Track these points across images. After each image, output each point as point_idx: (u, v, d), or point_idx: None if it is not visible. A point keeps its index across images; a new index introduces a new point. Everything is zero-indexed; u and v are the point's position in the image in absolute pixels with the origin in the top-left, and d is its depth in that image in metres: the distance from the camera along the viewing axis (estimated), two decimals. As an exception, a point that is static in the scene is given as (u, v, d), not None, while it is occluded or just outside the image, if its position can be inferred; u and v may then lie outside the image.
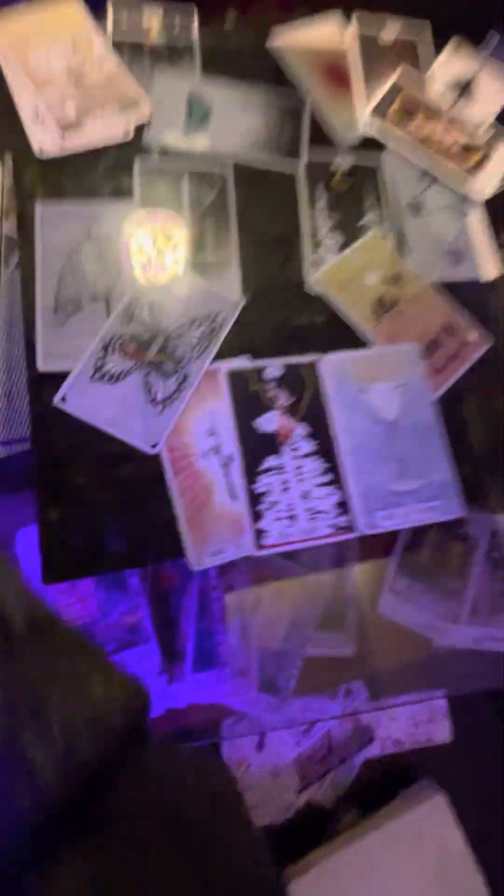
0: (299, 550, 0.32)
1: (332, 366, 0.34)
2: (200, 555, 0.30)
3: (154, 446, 0.31)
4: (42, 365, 0.32)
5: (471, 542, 0.40)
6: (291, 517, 0.31)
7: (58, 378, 0.32)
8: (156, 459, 0.31)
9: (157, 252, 0.36)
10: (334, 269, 0.37)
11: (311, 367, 0.34)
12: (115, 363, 0.32)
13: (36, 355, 0.32)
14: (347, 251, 0.37)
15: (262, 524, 0.31)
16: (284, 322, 0.35)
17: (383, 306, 0.37)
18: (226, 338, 0.34)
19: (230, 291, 0.35)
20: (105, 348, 0.32)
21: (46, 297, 0.33)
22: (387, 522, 0.32)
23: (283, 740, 0.67)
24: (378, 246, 0.38)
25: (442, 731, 0.66)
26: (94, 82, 0.37)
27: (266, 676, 0.45)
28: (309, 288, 0.37)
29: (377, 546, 0.38)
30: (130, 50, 0.40)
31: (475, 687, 0.40)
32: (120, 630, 0.42)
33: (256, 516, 0.31)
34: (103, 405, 0.31)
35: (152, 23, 0.41)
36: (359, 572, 0.40)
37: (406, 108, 0.42)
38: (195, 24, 0.41)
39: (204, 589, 0.41)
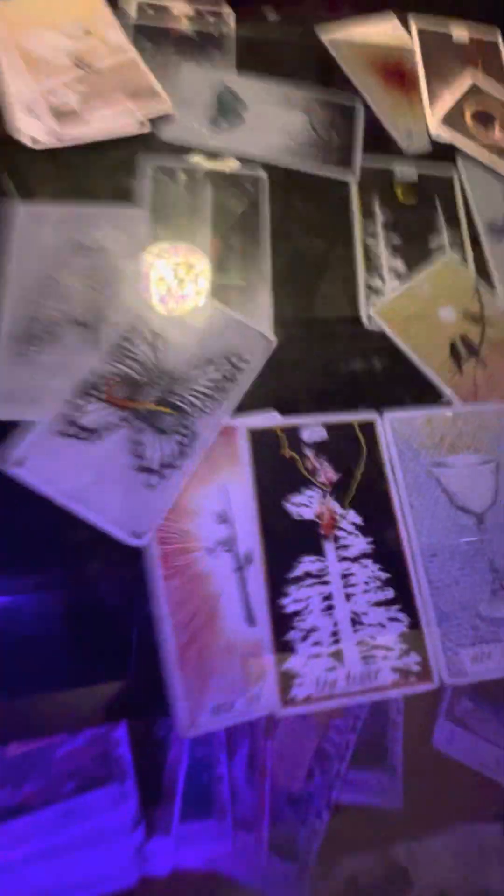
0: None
1: (395, 427, 0.25)
2: (196, 712, 0.20)
3: (138, 535, 0.22)
4: (-4, 411, 0.23)
5: None
6: (337, 654, 0.21)
7: (14, 430, 0.23)
8: (140, 554, 0.21)
9: (178, 282, 0.29)
10: (398, 300, 0.29)
11: (367, 427, 0.25)
12: (95, 413, 0.23)
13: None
14: (415, 279, 0.29)
15: (293, 664, 0.21)
16: (330, 367, 0.27)
17: (463, 351, 0.28)
18: (251, 385, 0.25)
19: (259, 324, 0.27)
20: (84, 392, 0.24)
21: (15, 319, 0.25)
22: (477, 667, 0.22)
23: None
24: (454, 274, 0.30)
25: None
26: (104, 70, 0.31)
27: (281, 832, 0.34)
28: (364, 323, 0.28)
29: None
30: (155, 37, 0.34)
31: None
32: (87, 759, 0.31)
33: (284, 649, 0.21)
34: (74, 472, 0.22)
35: (182, 10, 0.35)
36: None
37: (485, 112, 0.34)
38: (231, 15, 0.35)
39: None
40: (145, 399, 0.24)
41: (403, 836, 0.33)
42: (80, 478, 0.22)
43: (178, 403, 0.24)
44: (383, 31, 0.38)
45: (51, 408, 0.23)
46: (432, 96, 0.35)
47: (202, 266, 0.31)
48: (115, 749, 0.31)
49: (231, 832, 0.32)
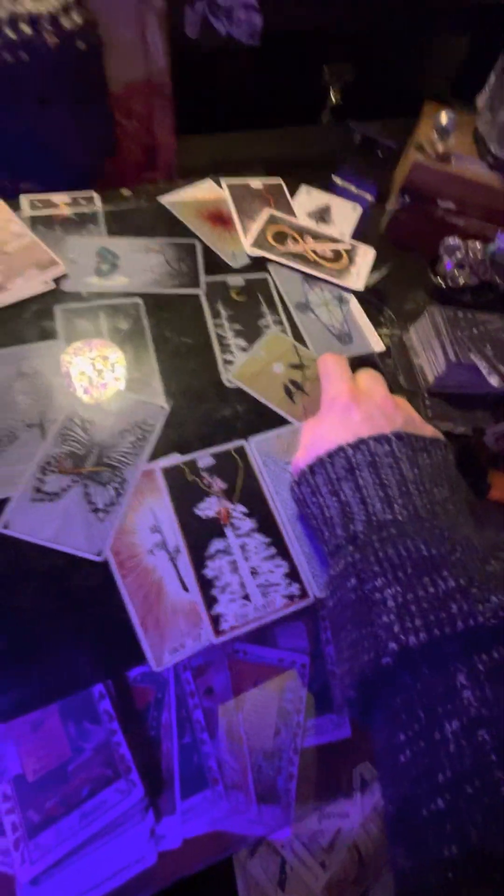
0: (264, 630, 0.32)
1: (257, 446, 0.38)
2: (160, 654, 0.30)
3: (99, 553, 0.32)
4: (-21, 500, 0.33)
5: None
6: (245, 596, 0.32)
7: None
8: (105, 566, 0.32)
9: (97, 373, 0.40)
10: (245, 364, 0.42)
11: (240, 450, 0.37)
12: (53, 482, 0.34)
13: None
14: (254, 348, 0.43)
15: (218, 609, 0.32)
16: (208, 416, 0.39)
17: (293, 389, 0.42)
18: (158, 440, 0.37)
19: (155, 399, 0.39)
20: (43, 470, 0.34)
21: (-18, 433, 0.35)
22: (337, 582, 0.34)
23: (307, 867, 0.59)
24: (279, 341, 0.44)
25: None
26: (14, 254, 0.44)
27: (263, 784, 0.42)
28: (226, 384, 0.41)
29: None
30: (44, 224, 0.48)
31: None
32: (96, 766, 0.38)
33: (211, 602, 0.32)
34: (46, 523, 0.32)
35: (61, 202, 0.50)
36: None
37: (280, 232, 0.51)
38: (98, 199, 0.51)
39: (181, 697, 0.39)
40: (87, 465, 0.35)
41: (359, 760, 0.42)
42: (52, 526, 0.32)
43: (110, 462, 0.36)
44: (204, 190, 0.55)
45: (22, 484, 0.34)
46: (245, 228, 0.52)
47: (116, 356, 0.42)
48: (117, 751, 0.38)
49: (224, 795, 0.40)
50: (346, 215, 0.55)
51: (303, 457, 0.31)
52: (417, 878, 0.18)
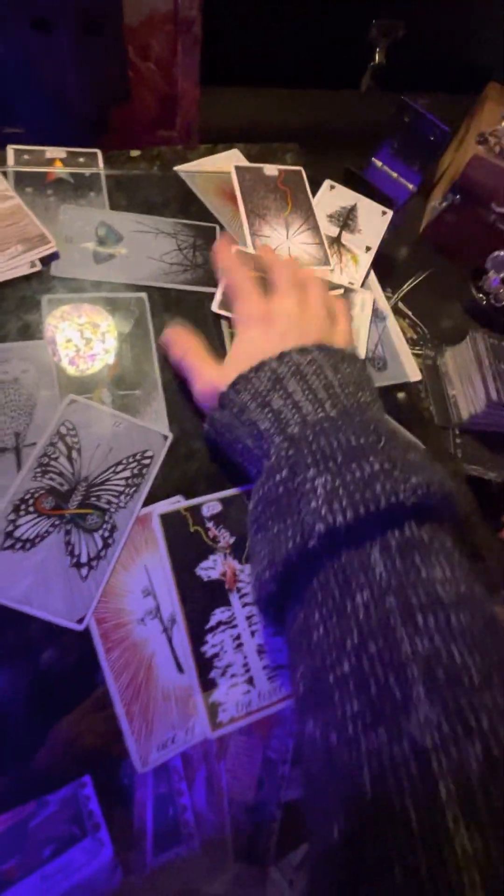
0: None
1: (273, 493, 0.32)
2: (147, 752, 0.25)
3: (80, 621, 0.27)
4: None
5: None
6: (249, 680, 0.28)
7: (-42, 553, 0.27)
8: (86, 637, 0.27)
9: (85, 342, 0.34)
10: (263, 389, 0.36)
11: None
12: (29, 525, 0.28)
13: None
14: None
15: (217, 696, 0.27)
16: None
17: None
18: (156, 478, 0.31)
19: (157, 425, 0.33)
20: (16, 509, 0.28)
21: None
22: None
23: None
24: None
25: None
26: (-5, 220, 0.36)
27: (243, 841, 0.39)
28: (240, 411, 0.35)
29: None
30: (33, 185, 0.39)
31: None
32: (61, 822, 0.34)
33: (209, 687, 0.27)
34: (17, 578, 0.27)
35: (56, 158, 0.41)
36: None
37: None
38: (101, 159, 0.42)
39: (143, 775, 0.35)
40: (71, 505, 0.29)
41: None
42: (24, 582, 0.27)
43: (99, 503, 0.30)
44: (230, 160, 0.47)
45: (-12, 528, 0.28)
46: (252, 230, 0.44)
47: (107, 324, 0.36)
48: (86, 805, 0.35)
49: (200, 853, 0.37)
50: (373, 221, 0.47)
51: (219, 379, 0.30)
52: (323, 741, 0.20)
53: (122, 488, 0.30)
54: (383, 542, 0.21)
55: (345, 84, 0.68)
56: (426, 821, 0.16)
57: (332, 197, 0.48)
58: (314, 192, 0.47)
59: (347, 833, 0.17)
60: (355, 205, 0.48)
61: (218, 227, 0.42)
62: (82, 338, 0.34)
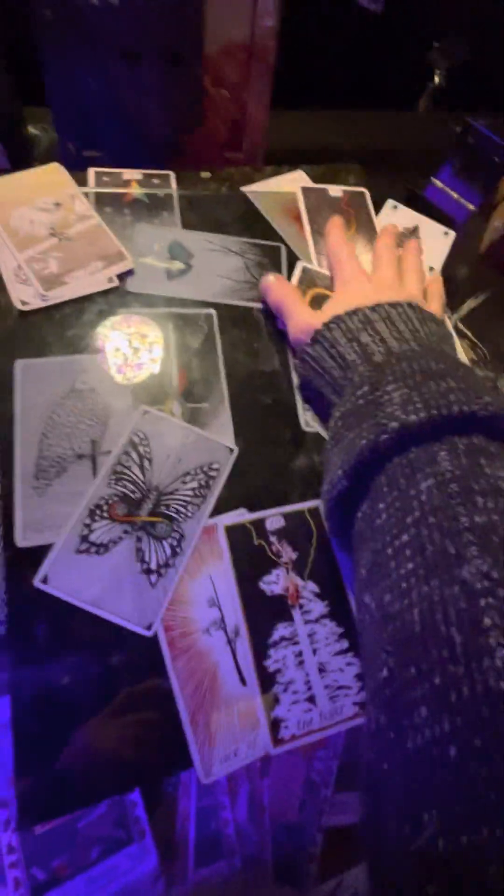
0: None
1: (335, 511, 0.32)
2: (210, 762, 0.26)
3: (149, 627, 0.27)
4: (21, 540, 0.28)
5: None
6: (310, 698, 0.28)
7: (38, 553, 0.28)
8: (153, 643, 0.27)
9: (133, 351, 0.35)
10: (327, 406, 0.37)
11: (314, 512, 0.32)
12: (103, 530, 0.29)
13: (14, 528, 0.28)
14: (337, 387, 0.37)
15: (279, 711, 0.27)
16: (282, 466, 0.34)
17: (379, 441, 0.36)
18: (222, 490, 0.32)
19: (223, 437, 0.34)
20: (91, 514, 0.29)
21: (27, 461, 0.30)
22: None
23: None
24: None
25: None
26: (77, 238, 0.38)
27: (282, 860, 0.39)
28: (304, 427, 0.36)
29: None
30: (112, 205, 0.41)
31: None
32: (108, 826, 0.35)
33: (271, 702, 0.27)
34: (91, 581, 0.28)
35: (132, 180, 0.43)
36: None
37: (318, 296, 0.43)
38: (174, 180, 0.44)
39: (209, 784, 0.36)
40: (142, 512, 0.30)
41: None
42: (98, 585, 0.28)
43: (168, 512, 0.31)
44: (294, 181, 0.48)
45: (66, 530, 0.29)
46: (317, 249, 0.45)
47: (155, 335, 0.37)
48: (133, 811, 0.35)
49: (240, 870, 0.36)
50: (435, 243, 0.48)
51: (314, 318, 0.33)
52: (378, 605, 0.21)
53: (189, 498, 0.31)
54: (451, 444, 0.22)
55: (405, 104, 0.69)
56: (469, 642, 0.17)
57: (395, 217, 0.48)
58: (378, 212, 0.47)
59: (394, 667, 0.18)
60: (417, 226, 0.48)
61: (283, 247, 0.43)
62: (130, 347, 0.35)
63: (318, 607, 0.30)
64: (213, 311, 0.38)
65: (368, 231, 0.46)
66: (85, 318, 0.36)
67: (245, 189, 0.46)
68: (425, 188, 0.57)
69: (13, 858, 0.33)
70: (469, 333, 0.47)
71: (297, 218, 0.45)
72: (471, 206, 0.55)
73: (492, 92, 0.68)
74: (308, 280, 0.41)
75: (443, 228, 0.49)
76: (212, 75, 0.44)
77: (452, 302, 0.48)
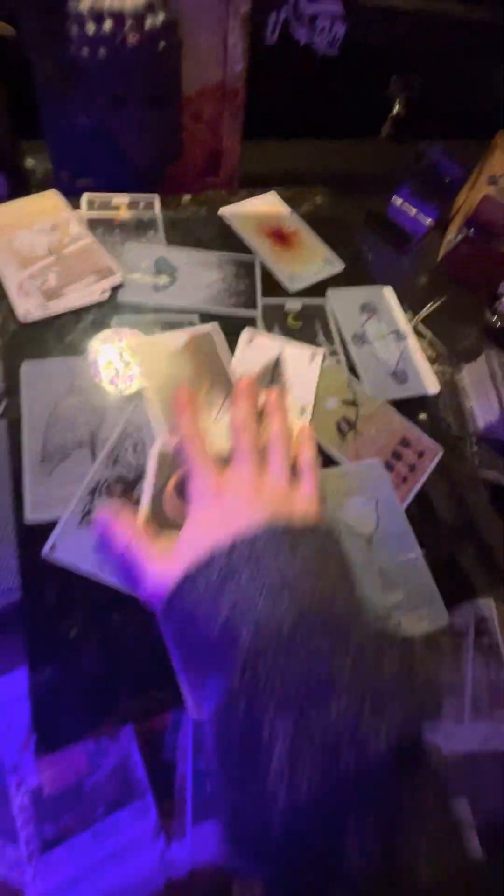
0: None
1: (307, 486, 0.37)
2: (197, 702, 0.29)
3: (145, 588, 0.31)
4: (30, 515, 0.32)
5: (457, 632, 0.40)
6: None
7: (46, 528, 0.32)
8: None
9: (124, 365, 0.39)
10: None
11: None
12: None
13: (24, 506, 0.32)
14: (307, 381, 0.42)
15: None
16: (259, 449, 0.38)
17: (345, 427, 0.41)
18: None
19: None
20: (92, 493, 0.33)
21: (34, 447, 0.34)
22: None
23: None
24: (334, 373, 0.43)
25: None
26: (72, 256, 0.43)
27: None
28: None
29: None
30: (103, 227, 0.46)
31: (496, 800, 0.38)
32: (112, 786, 0.38)
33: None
34: (92, 551, 0.32)
35: (121, 204, 0.48)
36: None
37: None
38: (157, 204, 0.49)
39: (199, 722, 0.39)
40: (136, 492, 0.34)
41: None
42: (98, 555, 0.32)
43: (159, 491, 0.35)
44: (266, 203, 0.54)
45: (69, 508, 0.33)
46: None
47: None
48: (134, 772, 0.38)
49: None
50: (303, 370, 0.42)
51: (165, 578, 0.26)
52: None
53: (178, 478, 0.35)
54: (358, 820, 0.20)
55: (367, 132, 0.76)
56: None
57: (251, 353, 0.42)
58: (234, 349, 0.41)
59: None
60: (279, 356, 0.42)
61: (256, 259, 0.48)
62: (121, 360, 0.38)
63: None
64: (196, 318, 0.43)
65: (223, 383, 0.39)
66: (81, 326, 0.40)
67: (222, 210, 0.51)
68: (387, 207, 0.64)
69: (25, 817, 0.36)
70: (429, 333, 0.52)
71: (270, 235, 0.51)
72: (428, 221, 0.62)
73: (445, 119, 0.76)
74: (166, 467, 0.33)
75: (310, 350, 0.43)
76: (190, 112, 0.49)
77: (414, 305, 0.54)
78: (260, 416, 0.33)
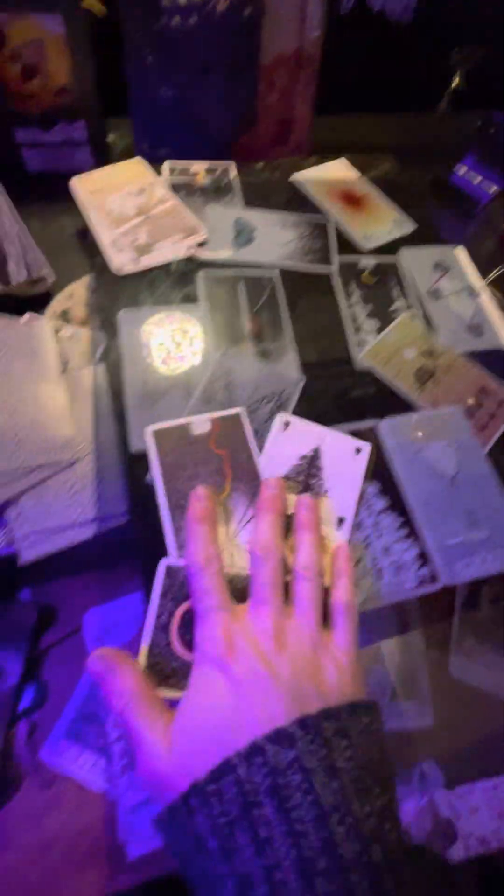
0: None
1: (389, 428, 0.38)
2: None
3: (242, 512, 0.33)
4: (135, 445, 0.35)
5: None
6: (378, 572, 0.33)
7: (145, 457, 0.34)
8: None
9: (175, 345, 0.41)
10: (377, 347, 0.42)
11: (372, 431, 0.38)
12: (198, 439, 0.35)
13: (128, 437, 0.35)
14: (385, 332, 0.43)
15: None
16: (340, 395, 0.40)
17: (424, 376, 0.41)
18: (293, 412, 0.38)
19: (291, 371, 0.40)
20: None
21: (135, 386, 0.37)
22: (467, 571, 0.34)
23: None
24: (410, 326, 0.44)
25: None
26: (160, 216, 0.45)
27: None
28: (357, 364, 0.41)
29: (437, 608, 0.39)
30: (184, 191, 0.49)
31: None
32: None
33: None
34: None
35: (199, 170, 0.51)
36: (424, 637, 0.39)
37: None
38: (234, 170, 0.51)
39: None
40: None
41: (430, 753, 0.41)
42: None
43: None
44: (336, 169, 0.55)
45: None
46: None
47: (195, 330, 0.43)
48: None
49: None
50: (345, 467, 0.34)
51: (166, 766, 0.21)
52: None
53: (267, 416, 0.37)
54: None
55: (429, 104, 0.76)
56: None
57: (285, 440, 0.34)
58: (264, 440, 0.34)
59: None
60: (318, 447, 0.34)
61: (329, 221, 0.50)
62: (173, 341, 0.39)
63: (381, 502, 0.35)
64: (274, 273, 0.45)
65: (249, 479, 0.31)
66: (170, 279, 0.43)
67: (295, 176, 0.52)
68: (450, 175, 0.64)
69: (117, 734, 0.39)
70: (499, 293, 0.52)
71: (341, 198, 0.52)
72: (493, 189, 0.61)
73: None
74: (174, 588, 0.27)
75: (356, 444, 0.35)
76: (266, 81, 0.51)
77: (481, 269, 0.54)
78: (288, 524, 0.28)
